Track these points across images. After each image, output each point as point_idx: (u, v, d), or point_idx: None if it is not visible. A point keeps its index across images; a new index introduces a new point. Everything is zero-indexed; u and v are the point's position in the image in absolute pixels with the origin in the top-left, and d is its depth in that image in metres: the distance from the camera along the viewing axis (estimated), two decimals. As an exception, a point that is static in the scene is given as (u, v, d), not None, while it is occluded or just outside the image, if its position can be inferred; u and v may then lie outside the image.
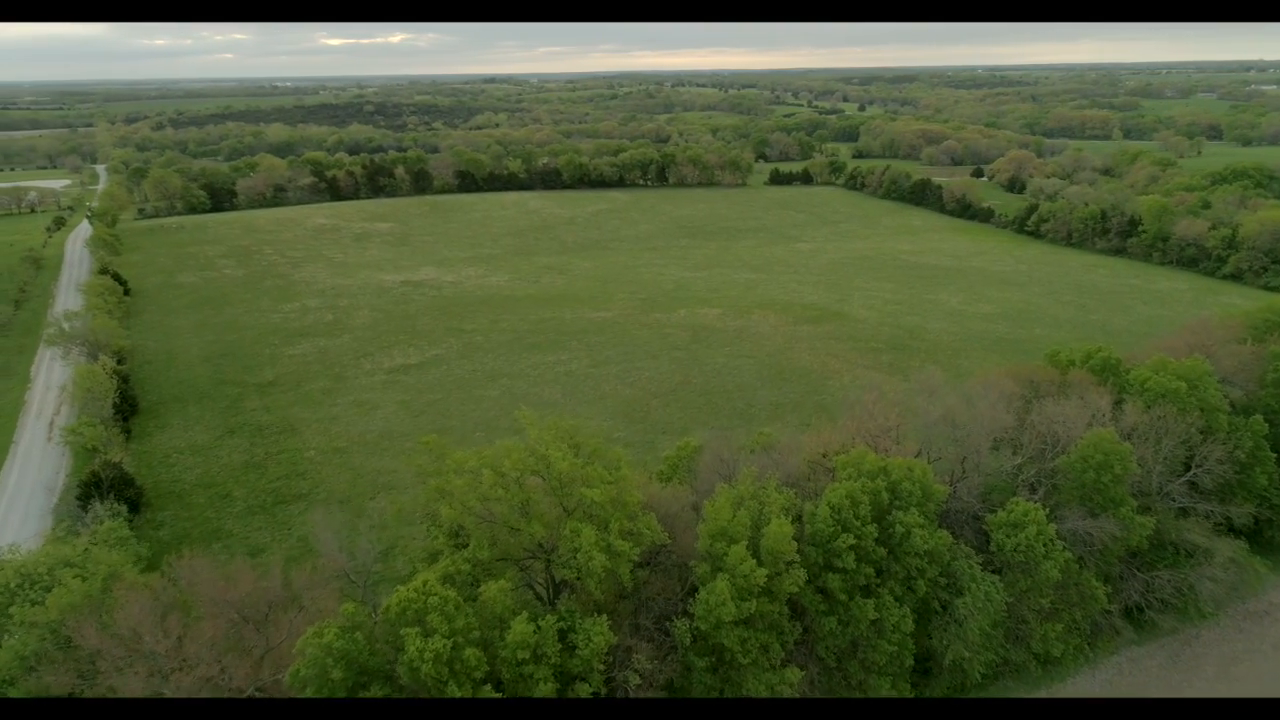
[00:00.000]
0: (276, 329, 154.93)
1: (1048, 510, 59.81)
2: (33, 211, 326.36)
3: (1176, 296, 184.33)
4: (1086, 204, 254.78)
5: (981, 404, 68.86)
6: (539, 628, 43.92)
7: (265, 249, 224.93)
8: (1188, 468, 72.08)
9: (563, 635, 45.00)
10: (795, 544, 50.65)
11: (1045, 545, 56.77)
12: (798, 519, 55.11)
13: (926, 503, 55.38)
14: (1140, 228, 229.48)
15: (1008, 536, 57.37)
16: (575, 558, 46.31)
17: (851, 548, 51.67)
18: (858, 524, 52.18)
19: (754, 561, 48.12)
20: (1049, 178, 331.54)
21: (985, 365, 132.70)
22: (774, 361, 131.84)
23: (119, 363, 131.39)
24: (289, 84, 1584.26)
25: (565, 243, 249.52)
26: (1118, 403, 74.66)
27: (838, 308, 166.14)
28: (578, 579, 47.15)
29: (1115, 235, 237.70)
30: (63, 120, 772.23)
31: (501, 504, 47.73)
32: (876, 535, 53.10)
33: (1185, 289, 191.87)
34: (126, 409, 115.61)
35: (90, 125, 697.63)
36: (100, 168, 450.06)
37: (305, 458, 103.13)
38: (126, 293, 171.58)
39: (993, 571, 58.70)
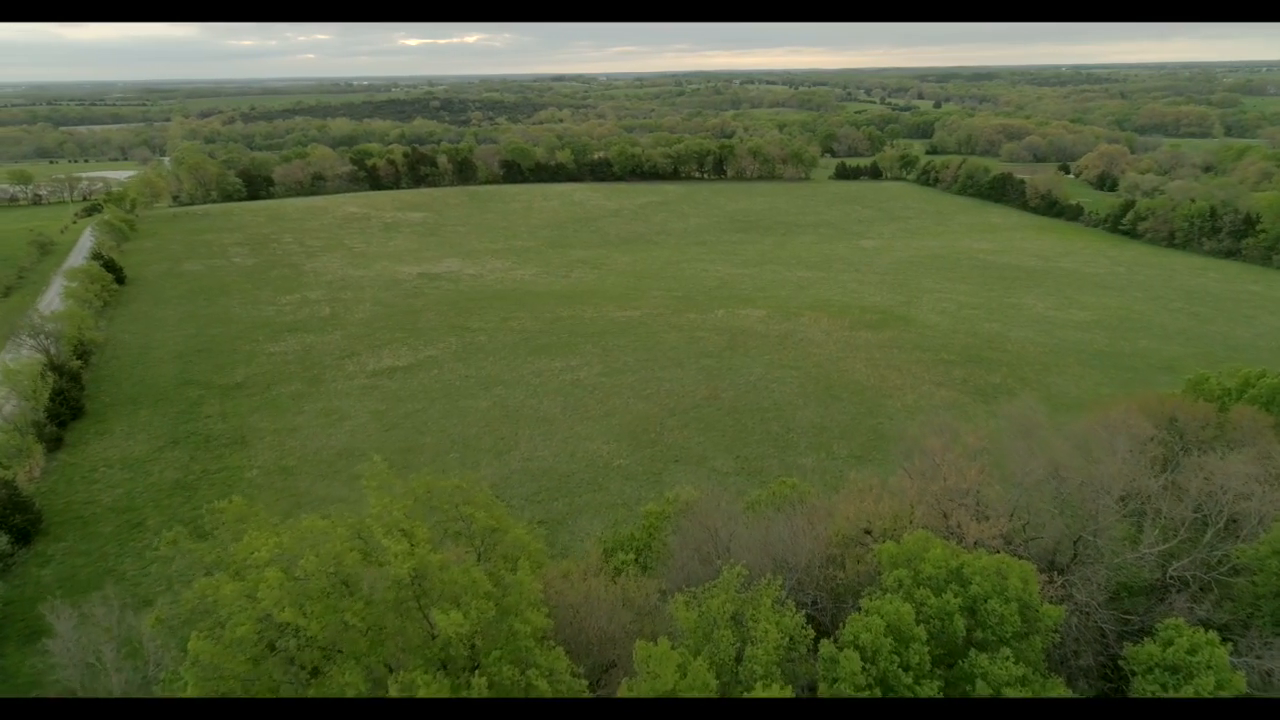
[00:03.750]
0: (267, 323, 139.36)
1: (1221, 634, 37.25)
2: (84, 200, 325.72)
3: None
4: (1193, 200, 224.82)
5: (1106, 456, 46.85)
6: None
7: (285, 237, 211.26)
8: None
9: None
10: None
11: (1227, 705, 34.34)
12: (813, 650, 34.06)
13: (1030, 637, 33.18)
14: (1258, 226, 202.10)
15: (1163, 688, 35.06)
16: (402, 736, 26.74)
17: (898, 724, 30.35)
18: (908, 680, 30.07)
19: (717, 758, 27.61)
20: (1145, 173, 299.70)
21: (1082, 384, 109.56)
22: (822, 374, 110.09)
23: (79, 357, 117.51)
24: (365, 83, 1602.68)
25: (606, 235, 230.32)
26: (1308, 456, 51.55)
27: (903, 311, 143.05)
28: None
29: (1227, 235, 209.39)
30: (143, 116, 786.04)
31: (309, 626, 28.56)
32: (942, 691, 30.99)
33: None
34: (65, 412, 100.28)
35: (168, 120, 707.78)
36: (167, 159, 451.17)
37: (245, 479, 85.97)
38: (120, 280, 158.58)
39: (1130, 731, 36.77)
